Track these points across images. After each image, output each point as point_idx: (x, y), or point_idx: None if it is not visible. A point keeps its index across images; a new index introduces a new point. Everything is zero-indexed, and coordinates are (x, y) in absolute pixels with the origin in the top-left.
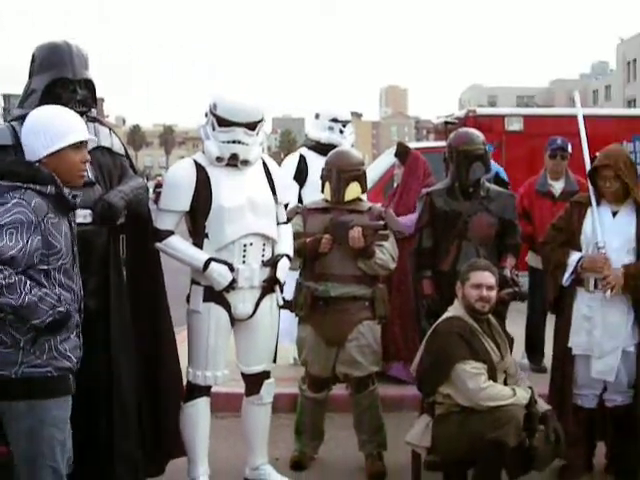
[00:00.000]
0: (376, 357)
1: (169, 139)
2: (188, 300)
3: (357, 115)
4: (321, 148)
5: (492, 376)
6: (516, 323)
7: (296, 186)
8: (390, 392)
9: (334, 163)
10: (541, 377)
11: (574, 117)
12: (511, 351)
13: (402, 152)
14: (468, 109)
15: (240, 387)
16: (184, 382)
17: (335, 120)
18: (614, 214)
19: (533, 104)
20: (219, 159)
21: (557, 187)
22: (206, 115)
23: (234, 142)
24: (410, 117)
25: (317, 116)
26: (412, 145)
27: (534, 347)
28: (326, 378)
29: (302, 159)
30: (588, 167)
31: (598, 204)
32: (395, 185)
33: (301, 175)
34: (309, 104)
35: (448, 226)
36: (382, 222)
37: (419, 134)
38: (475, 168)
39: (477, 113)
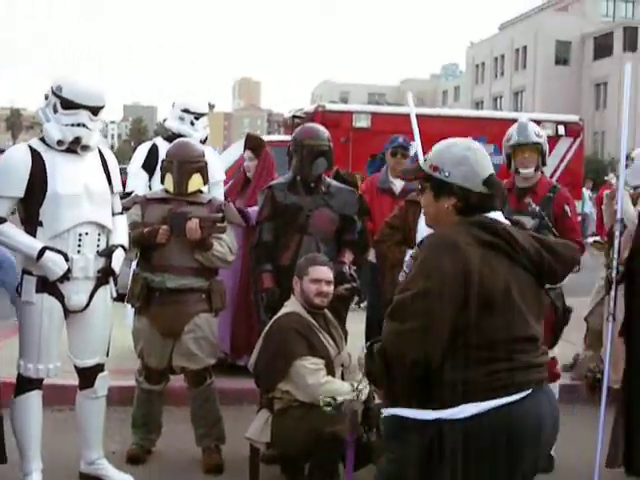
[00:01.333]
0: (212, 349)
1: (16, 123)
2: (18, 291)
3: (210, 106)
4: (173, 138)
5: (330, 371)
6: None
7: (145, 175)
8: (230, 385)
9: (175, 154)
10: None
11: (423, 116)
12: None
13: (257, 145)
14: (318, 104)
15: (75, 379)
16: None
17: (187, 111)
18: None
19: (384, 102)
20: (60, 142)
21: (398, 185)
22: (46, 97)
23: (78, 125)
24: (263, 110)
25: (173, 105)
26: (272, 137)
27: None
28: (163, 370)
29: (154, 148)
30: (421, 160)
31: None
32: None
33: (151, 164)
34: (163, 93)
35: (289, 220)
36: (220, 215)
37: (271, 127)
38: (318, 163)
39: (326, 109)
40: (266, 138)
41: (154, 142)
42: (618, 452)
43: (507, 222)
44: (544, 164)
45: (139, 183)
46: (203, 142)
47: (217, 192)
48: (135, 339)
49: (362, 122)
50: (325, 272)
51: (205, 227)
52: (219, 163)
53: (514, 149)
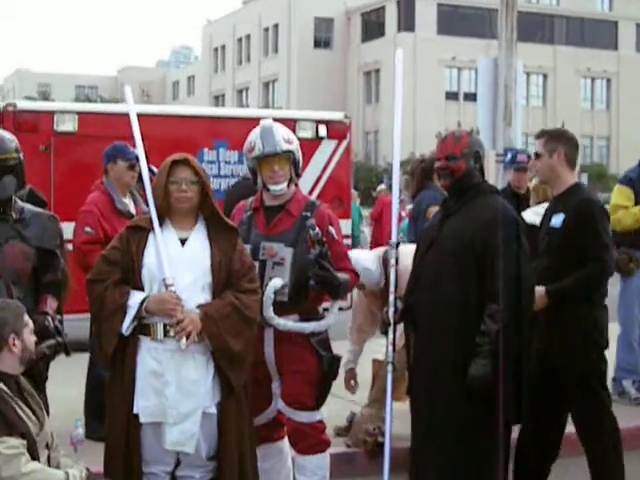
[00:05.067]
0: None
1: None
2: None
3: None
4: None
5: (32, 453)
6: None
7: None
8: None
9: None
10: None
11: (147, 116)
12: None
13: None
14: (6, 102)
15: None
16: None
17: None
18: (182, 241)
19: (96, 97)
20: None
21: (132, 205)
22: None
23: None
24: None
25: None
26: None
27: (93, 411)
28: None
29: None
30: (146, 178)
31: (162, 228)
32: None
33: None
34: None
35: None
36: None
37: None
38: (5, 183)
39: (18, 108)
40: None
41: None
42: None
43: None
44: (298, 175)
45: None
46: None
47: None
48: None
49: (66, 125)
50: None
51: None
52: None
53: (259, 161)
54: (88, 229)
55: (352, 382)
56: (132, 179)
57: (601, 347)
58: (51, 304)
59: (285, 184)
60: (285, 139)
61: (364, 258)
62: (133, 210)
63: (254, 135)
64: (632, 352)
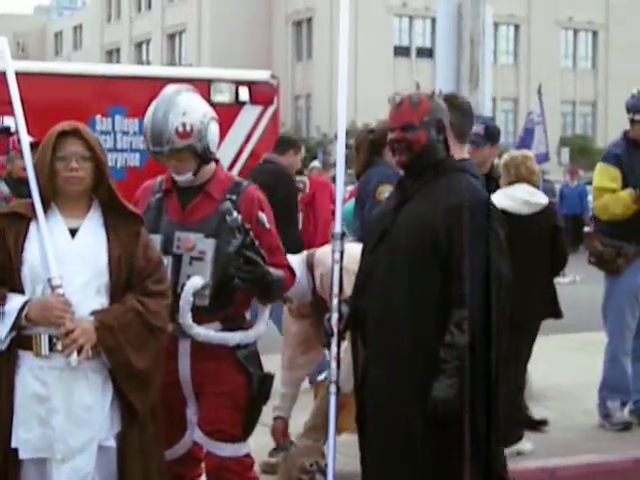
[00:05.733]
0: None
1: None
2: None
3: None
4: None
5: None
6: None
7: None
8: None
9: None
10: None
11: (24, 75)
12: None
13: None
14: None
15: None
16: None
17: None
18: (73, 232)
19: None
20: None
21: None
22: None
23: None
24: None
25: None
26: None
27: None
28: None
29: None
30: (27, 154)
31: (46, 215)
32: None
33: None
34: None
35: None
36: None
37: None
38: None
39: None
40: None
41: None
42: None
43: None
44: (210, 160)
45: None
46: None
47: None
48: None
49: None
50: None
51: None
52: None
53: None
54: None
55: (281, 437)
56: None
57: None
58: None
59: (190, 174)
60: (180, 132)
61: None
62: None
63: (147, 119)
64: (617, 367)
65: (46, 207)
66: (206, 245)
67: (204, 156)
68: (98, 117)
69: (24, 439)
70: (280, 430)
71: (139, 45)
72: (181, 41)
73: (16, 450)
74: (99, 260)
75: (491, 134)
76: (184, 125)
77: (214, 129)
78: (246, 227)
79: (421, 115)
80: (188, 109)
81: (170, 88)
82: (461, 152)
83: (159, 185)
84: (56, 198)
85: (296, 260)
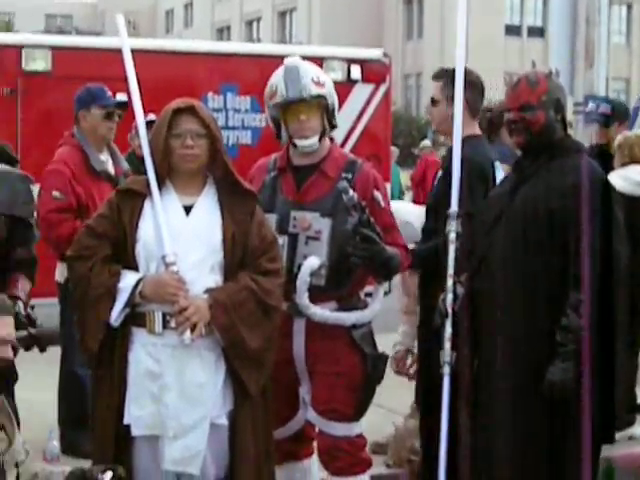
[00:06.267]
0: None
1: None
2: None
3: None
4: None
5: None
6: None
7: None
8: None
9: None
10: None
11: (136, 52)
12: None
13: None
14: None
15: None
16: None
17: None
18: (187, 209)
19: (71, 29)
20: None
21: (109, 163)
22: None
23: None
24: None
25: None
26: None
27: (69, 419)
28: None
29: None
30: (142, 131)
31: (161, 193)
32: None
33: None
34: None
35: None
36: None
37: None
38: None
39: None
40: None
41: None
42: None
43: None
44: (333, 127)
45: None
46: None
47: None
48: None
49: (38, 63)
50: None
51: None
52: None
53: (283, 109)
54: (57, 194)
55: (406, 362)
56: (109, 131)
57: None
58: (23, 286)
59: (316, 138)
60: (315, 81)
61: (406, 211)
62: (111, 169)
63: (276, 77)
64: None
65: (161, 184)
66: (322, 224)
67: (330, 117)
68: (210, 95)
69: (136, 416)
70: (401, 357)
71: (249, 23)
72: (291, 19)
73: (128, 427)
74: (213, 238)
75: (619, 113)
76: (317, 77)
77: (335, 98)
78: (362, 205)
79: (539, 95)
80: (317, 69)
81: (292, 57)
82: (473, 128)
83: (273, 163)
84: (171, 175)
85: (420, 209)
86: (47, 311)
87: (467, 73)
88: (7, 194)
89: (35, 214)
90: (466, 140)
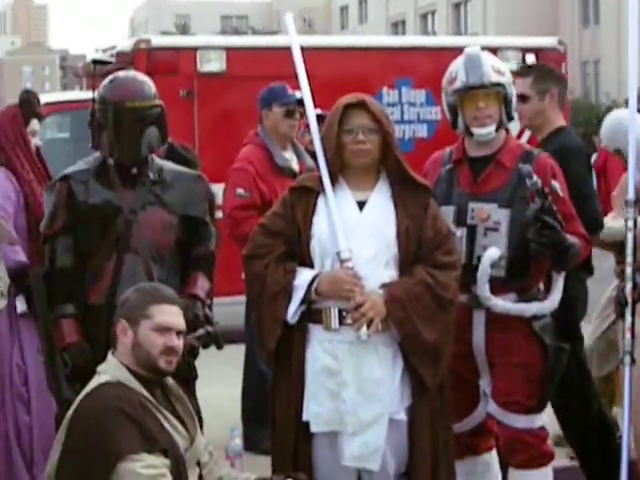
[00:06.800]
0: None
1: None
2: None
3: None
4: None
5: (180, 476)
6: None
7: None
8: None
9: None
10: None
11: (312, 49)
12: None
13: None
14: (138, 39)
15: None
16: None
17: None
18: (361, 205)
19: (247, 29)
20: None
21: (294, 160)
22: None
23: None
24: (53, 51)
25: None
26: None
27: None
28: None
29: None
30: (314, 127)
31: (334, 189)
32: None
33: None
34: None
35: (98, 231)
36: None
37: (67, 78)
38: (148, 136)
39: (152, 45)
40: (50, 97)
41: None
42: None
43: None
44: (510, 118)
45: None
46: None
47: None
48: None
49: (213, 64)
50: (175, 315)
51: None
52: None
53: (461, 96)
54: (241, 191)
55: None
56: (291, 128)
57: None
58: (202, 285)
59: (493, 127)
60: (495, 69)
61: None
62: (296, 166)
63: (456, 64)
64: None
65: (334, 180)
66: (500, 215)
67: (508, 108)
68: (385, 89)
69: (315, 413)
70: None
71: (424, 16)
72: (466, 10)
73: (307, 423)
74: (388, 233)
75: None
76: (498, 66)
77: (512, 88)
78: (545, 192)
79: None
80: (497, 59)
81: (472, 47)
82: (561, 119)
83: (449, 156)
84: (344, 171)
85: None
86: (232, 310)
87: (551, 68)
88: (182, 194)
89: (209, 213)
90: (559, 131)
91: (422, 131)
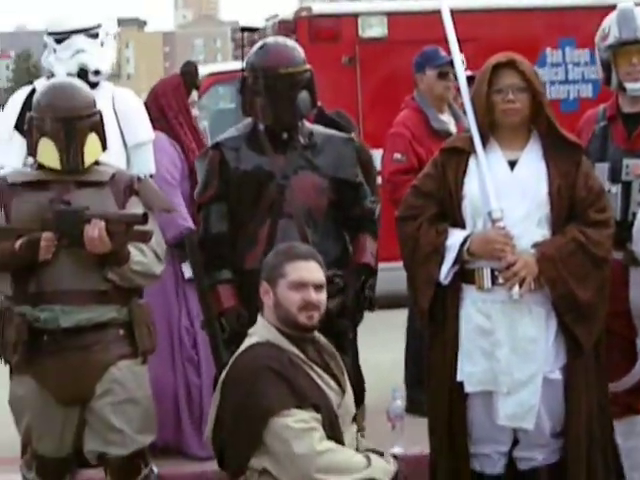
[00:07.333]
0: (146, 420)
1: None
2: None
3: (138, 23)
4: None
5: (333, 430)
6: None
7: (20, 140)
8: (176, 472)
9: (50, 106)
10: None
11: (470, 12)
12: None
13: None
14: (300, 7)
15: None
16: None
17: (50, 34)
18: (512, 164)
19: None
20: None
21: (452, 123)
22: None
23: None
24: (224, 23)
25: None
26: (221, 67)
27: (415, 379)
28: (64, 460)
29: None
30: (464, 89)
31: (485, 149)
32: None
33: None
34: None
35: (251, 197)
36: (140, 212)
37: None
38: (300, 101)
39: (313, 12)
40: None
41: (34, 86)
42: None
43: None
44: None
45: (11, 155)
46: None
47: (143, 161)
48: (16, 413)
49: (374, 29)
50: (312, 271)
51: (116, 233)
52: (142, 111)
53: (614, 51)
54: (398, 156)
55: None
56: (446, 90)
57: None
58: (371, 249)
59: None
60: None
61: None
62: (453, 128)
63: (609, 20)
64: None
65: (485, 140)
66: None
67: None
68: (548, 50)
69: (469, 372)
70: None
71: None
72: None
73: (462, 384)
74: (539, 191)
75: None
76: None
77: None
78: None
79: None
80: None
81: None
82: None
83: (602, 113)
84: (494, 131)
85: None
86: (395, 275)
87: None
88: (332, 158)
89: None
90: None
91: (587, 91)
